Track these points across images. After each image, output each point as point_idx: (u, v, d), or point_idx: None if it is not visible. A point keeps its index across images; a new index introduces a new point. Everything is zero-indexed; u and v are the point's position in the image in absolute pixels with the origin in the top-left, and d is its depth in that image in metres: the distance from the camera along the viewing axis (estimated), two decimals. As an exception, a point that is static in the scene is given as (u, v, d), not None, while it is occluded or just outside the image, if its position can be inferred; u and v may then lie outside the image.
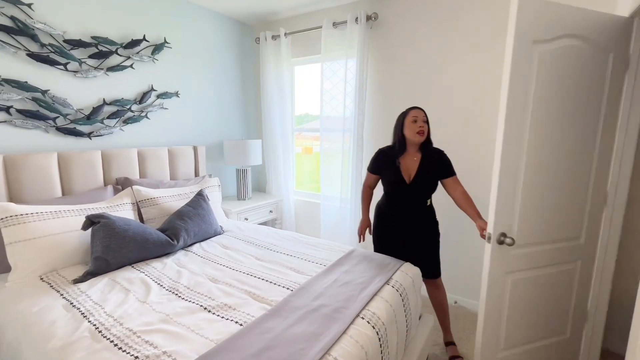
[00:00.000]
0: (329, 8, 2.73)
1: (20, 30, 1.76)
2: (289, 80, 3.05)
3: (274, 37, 2.98)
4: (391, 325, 1.32)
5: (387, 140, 1.96)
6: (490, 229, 1.46)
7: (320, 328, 1.15)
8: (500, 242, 1.46)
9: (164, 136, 2.58)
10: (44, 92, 1.88)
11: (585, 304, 1.76)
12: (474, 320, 2.24)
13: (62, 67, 1.94)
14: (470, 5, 2.12)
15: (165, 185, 2.29)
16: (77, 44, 1.98)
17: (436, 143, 1.85)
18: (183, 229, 1.88)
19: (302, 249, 1.91)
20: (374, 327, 1.21)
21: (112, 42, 2.14)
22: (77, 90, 2.04)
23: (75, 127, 2.03)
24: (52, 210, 1.64)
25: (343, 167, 2.74)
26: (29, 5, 1.79)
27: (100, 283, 1.45)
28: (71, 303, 1.29)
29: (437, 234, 1.88)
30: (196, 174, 2.69)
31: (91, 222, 1.59)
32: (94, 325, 1.15)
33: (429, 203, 1.84)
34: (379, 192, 1.96)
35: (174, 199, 2.15)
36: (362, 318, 1.23)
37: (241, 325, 1.17)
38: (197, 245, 1.96)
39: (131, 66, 2.28)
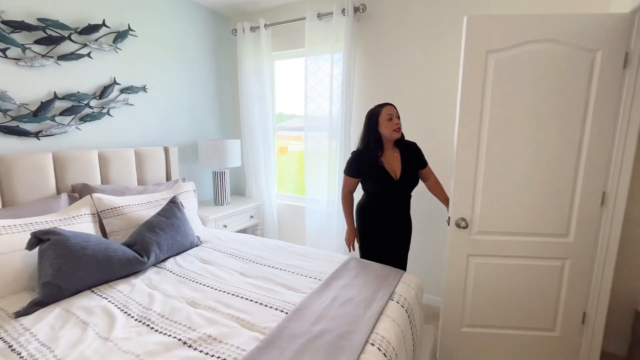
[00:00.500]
0: (313, -2, 2.55)
1: (-58, 6, 1.44)
2: (270, 75, 2.84)
3: (253, 29, 2.75)
4: (400, 349, 1.17)
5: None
6: (450, 213, 1.72)
7: (325, 361, 0.98)
8: (458, 225, 1.69)
9: (130, 136, 2.29)
10: (-24, 83, 1.56)
11: (580, 304, 1.73)
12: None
13: None
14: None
15: (132, 192, 2.01)
16: (20, 26, 1.67)
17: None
18: (154, 242, 1.63)
19: (292, 260, 1.73)
20: (385, 355, 1.06)
21: (63, 26, 1.83)
22: (21, 81, 1.72)
23: (18, 126, 1.71)
24: (-12, 227, 1.34)
25: (330, 168, 2.58)
26: (-46, -24, 1.47)
27: (50, 316, 1.19)
28: (10, 346, 1.03)
29: (411, 229, 1.93)
30: (168, 178, 2.42)
31: (38, 239, 1.31)
32: (40, 376, 0.91)
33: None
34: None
35: (142, 207, 1.88)
36: (372, 344, 1.07)
37: (230, 363, 0.97)
38: (171, 260, 1.72)
39: (88, 55, 1.98)
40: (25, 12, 1.71)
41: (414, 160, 1.79)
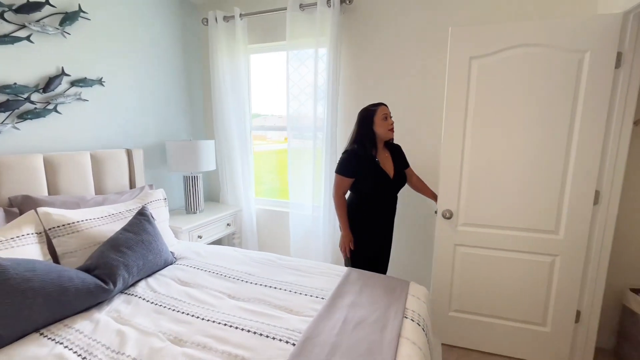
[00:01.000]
0: (294, -13, 2.36)
1: None
2: (246, 70, 2.60)
3: (227, 19, 2.50)
4: (425, 375, 1.05)
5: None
6: (437, 205, 1.87)
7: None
8: (444, 216, 1.84)
9: (85, 137, 1.95)
10: None
11: (572, 302, 1.74)
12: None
13: None
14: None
15: (90, 203, 1.69)
16: None
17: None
18: (121, 264, 1.36)
19: (286, 276, 1.54)
20: (415, 388, 0.92)
21: (-6, 2, 1.48)
22: None
23: None
24: None
25: (315, 171, 2.41)
26: None
27: (-18, 375, 0.90)
28: None
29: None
30: (132, 186, 2.10)
31: (-37, 273, 1.00)
32: None
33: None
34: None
35: (103, 221, 1.58)
36: (400, 378, 0.93)
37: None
38: (142, 284, 1.45)
39: (28, 38, 1.63)
40: (-61, -20, 1.35)
41: (401, 161, 1.88)
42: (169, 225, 2.05)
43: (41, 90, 1.71)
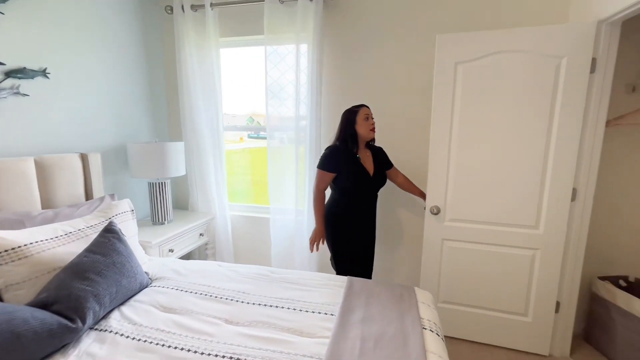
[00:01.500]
0: (271, -22, 2.21)
1: None
2: (218, 66, 2.38)
3: (195, 8, 2.26)
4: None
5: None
6: (426, 202, 1.95)
7: None
8: (432, 212, 1.92)
9: (27, 140, 1.62)
10: None
11: (552, 294, 1.84)
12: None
13: None
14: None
15: (37, 220, 1.40)
16: None
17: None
18: (90, 295, 1.12)
19: (285, 292, 1.40)
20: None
21: None
22: None
23: None
24: None
25: (298, 173, 2.29)
26: None
27: None
28: None
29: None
30: (88, 196, 1.80)
31: None
32: None
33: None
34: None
35: (58, 242, 1.31)
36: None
37: None
38: (115, 314, 1.22)
39: (-53, 16, 1.29)
40: None
41: (382, 160, 1.93)
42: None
43: (-34, 82, 1.37)
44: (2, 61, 1.50)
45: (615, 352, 1.80)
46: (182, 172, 2.25)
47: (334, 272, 1.91)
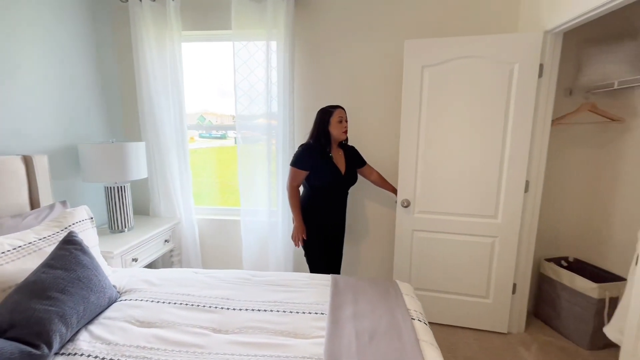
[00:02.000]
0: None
1: None
2: (180, 60, 2.23)
3: (154, -3, 2.10)
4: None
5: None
6: (397, 196, 2.07)
7: None
8: (403, 205, 2.05)
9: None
10: None
11: (509, 276, 2.03)
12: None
13: None
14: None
15: (-25, 235, 1.19)
16: None
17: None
18: (55, 316, 0.99)
19: (271, 294, 1.37)
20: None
21: None
22: None
23: None
24: None
25: (270, 173, 2.24)
26: None
27: None
28: None
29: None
30: (34, 204, 1.58)
31: None
32: None
33: None
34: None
35: (6, 258, 1.13)
36: (441, 385, 0.91)
37: None
38: (83, 335, 1.09)
39: None
40: None
41: (355, 160, 1.98)
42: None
43: None
44: None
45: (561, 324, 2.04)
46: (144, 175, 2.08)
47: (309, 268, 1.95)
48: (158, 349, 1.02)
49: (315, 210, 1.87)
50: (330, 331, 1.10)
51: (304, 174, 1.83)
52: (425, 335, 1.12)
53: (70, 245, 1.20)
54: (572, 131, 2.11)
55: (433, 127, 1.96)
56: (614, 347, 1.90)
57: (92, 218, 1.55)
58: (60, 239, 1.28)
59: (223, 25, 2.16)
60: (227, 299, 1.32)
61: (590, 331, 1.88)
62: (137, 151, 2.00)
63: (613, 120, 1.93)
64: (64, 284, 1.07)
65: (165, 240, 2.23)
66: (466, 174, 1.96)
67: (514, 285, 2.06)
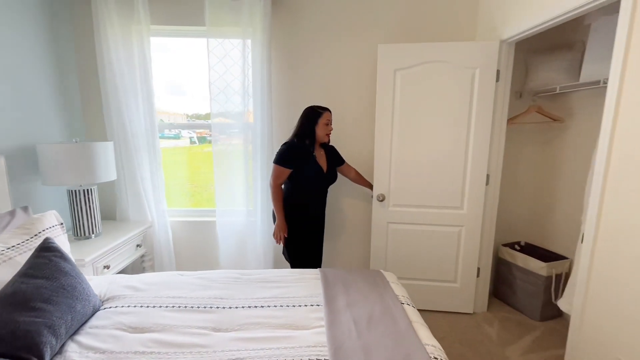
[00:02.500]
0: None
1: None
2: (149, 55, 2.13)
3: (119, -12, 1.98)
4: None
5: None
6: (373, 191, 2.20)
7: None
8: (378, 199, 2.19)
9: None
10: None
11: (473, 262, 2.24)
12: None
13: None
14: None
15: None
16: None
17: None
18: (43, 327, 0.92)
19: (264, 291, 1.39)
20: (445, 363, 1.02)
21: None
22: None
23: None
24: None
25: (248, 173, 2.23)
26: None
27: None
28: None
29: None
30: (-9, 211, 1.43)
31: None
32: None
33: None
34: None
35: (-27, 271, 1.03)
36: (436, 359, 1.00)
37: None
38: (71, 346, 1.02)
39: None
40: None
41: (335, 159, 2.07)
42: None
43: None
44: None
45: (517, 300, 2.30)
46: (113, 177, 1.95)
47: (288, 264, 2.01)
48: (159, 352, 1.00)
49: (297, 207, 1.91)
50: (330, 320, 1.16)
51: (287, 171, 1.85)
52: (415, 317, 1.23)
53: (48, 252, 1.11)
54: (523, 130, 2.38)
55: (405, 126, 2.11)
56: (560, 317, 2.21)
57: (62, 224, 1.44)
58: (32, 247, 1.19)
59: (196, 21, 2.10)
60: (221, 298, 1.31)
61: (540, 305, 2.15)
62: (106, 151, 1.88)
63: (555, 120, 2.22)
64: (48, 293, 1.00)
65: (138, 245, 2.12)
66: (435, 169, 2.13)
67: (478, 269, 2.28)
